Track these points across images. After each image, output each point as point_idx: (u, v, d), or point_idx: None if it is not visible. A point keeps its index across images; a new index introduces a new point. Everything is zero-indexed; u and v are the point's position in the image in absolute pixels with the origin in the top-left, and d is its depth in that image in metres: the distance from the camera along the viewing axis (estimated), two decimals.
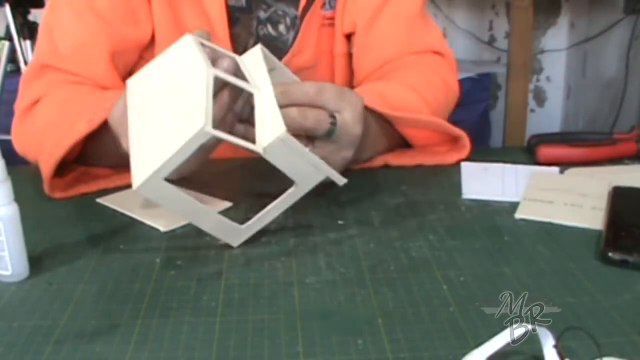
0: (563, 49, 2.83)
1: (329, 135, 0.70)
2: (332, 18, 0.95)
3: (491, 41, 2.83)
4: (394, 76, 0.91)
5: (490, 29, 2.83)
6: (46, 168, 0.75)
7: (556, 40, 2.82)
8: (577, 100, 2.82)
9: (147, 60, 0.89)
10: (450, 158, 0.85)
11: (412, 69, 0.92)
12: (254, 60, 0.68)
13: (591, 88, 2.71)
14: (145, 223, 0.69)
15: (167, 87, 0.64)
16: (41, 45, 0.90)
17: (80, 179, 0.81)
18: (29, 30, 2.12)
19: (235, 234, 0.64)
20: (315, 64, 0.95)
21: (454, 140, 0.87)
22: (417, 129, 0.85)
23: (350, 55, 0.98)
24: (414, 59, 0.95)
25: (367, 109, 0.75)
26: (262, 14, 0.93)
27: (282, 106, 0.63)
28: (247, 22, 0.93)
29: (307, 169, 0.62)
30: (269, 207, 0.64)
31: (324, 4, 0.94)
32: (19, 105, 0.88)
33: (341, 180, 0.65)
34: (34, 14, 2.17)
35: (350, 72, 0.99)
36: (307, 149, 0.61)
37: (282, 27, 0.93)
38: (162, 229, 0.68)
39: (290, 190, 0.64)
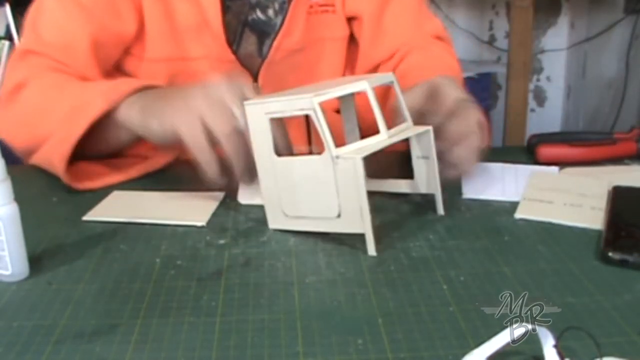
0: (563, 49, 2.83)
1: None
2: (325, 5, 0.99)
3: (491, 41, 2.83)
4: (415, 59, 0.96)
5: (491, 28, 2.83)
6: (59, 155, 0.77)
7: (556, 40, 2.82)
8: (577, 100, 2.82)
9: (137, 56, 0.93)
10: None
11: (427, 52, 0.97)
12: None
13: (591, 88, 2.71)
14: (177, 224, 0.69)
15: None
16: (25, 36, 0.91)
17: (96, 172, 0.82)
18: None
19: (278, 215, 0.67)
20: (304, 47, 0.98)
21: None
22: None
23: (351, 38, 1.02)
24: (424, 44, 0.99)
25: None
26: (252, 0, 0.95)
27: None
28: (239, 8, 0.95)
29: (353, 211, 0.61)
30: (311, 217, 0.65)
31: None
32: (2, 91, 0.88)
33: (372, 252, 0.62)
34: None
35: (346, 56, 1.03)
36: (365, 191, 0.60)
37: (270, 12, 0.96)
38: (199, 223, 0.69)
39: (330, 218, 0.64)
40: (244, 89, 0.69)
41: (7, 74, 0.90)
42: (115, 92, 0.77)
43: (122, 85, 0.79)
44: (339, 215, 0.63)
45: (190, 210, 0.72)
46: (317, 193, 0.63)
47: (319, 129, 0.61)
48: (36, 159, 0.82)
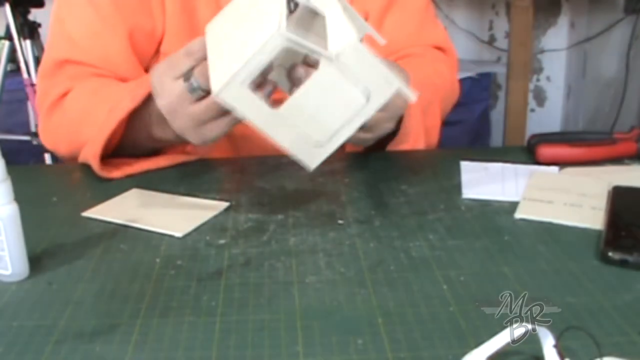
0: (563, 49, 2.83)
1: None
2: None
3: (491, 41, 2.83)
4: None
5: (490, 28, 2.83)
6: (93, 150, 0.79)
7: (556, 40, 2.82)
8: (577, 100, 2.82)
9: (165, 55, 0.92)
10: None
11: (416, 62, 0.96)
12: None
13: (591, 88, 2.71)
14: (157, 232, 0.67)
15: (244, 14, 0.67)
16: (54, 39, 0.90)
17: (124, 162, 0.84)
18: (29, 30, 2.12)
19: (312, 152, 0.64)
20: None
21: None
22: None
23: None
24: (419, 52, 0.98)
25: None
26: None
27: None
28: None
29: (377, 81, 0.62)
30: (344, 124, 0.63)
31: None
32: (44, 101, 0.88)
33: (412, 96, 0.63)
34: (34, 14, 2.17)
35: None
36: (378, 59, 0.61)
37: None
38: (177, 234, 0.67)
39: (361, 107, 0.63)
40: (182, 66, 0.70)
41: (45, 85, 0.89)
42: (138, 90, 0.78)
43: (141, 83, 0.79)
44: (368, 99, 0.62)
45: (179, 218, 0.70)
46: (340, 97, 0.62)
47: (305, 50, 0.60)
48: (80, 160, 0.84)
